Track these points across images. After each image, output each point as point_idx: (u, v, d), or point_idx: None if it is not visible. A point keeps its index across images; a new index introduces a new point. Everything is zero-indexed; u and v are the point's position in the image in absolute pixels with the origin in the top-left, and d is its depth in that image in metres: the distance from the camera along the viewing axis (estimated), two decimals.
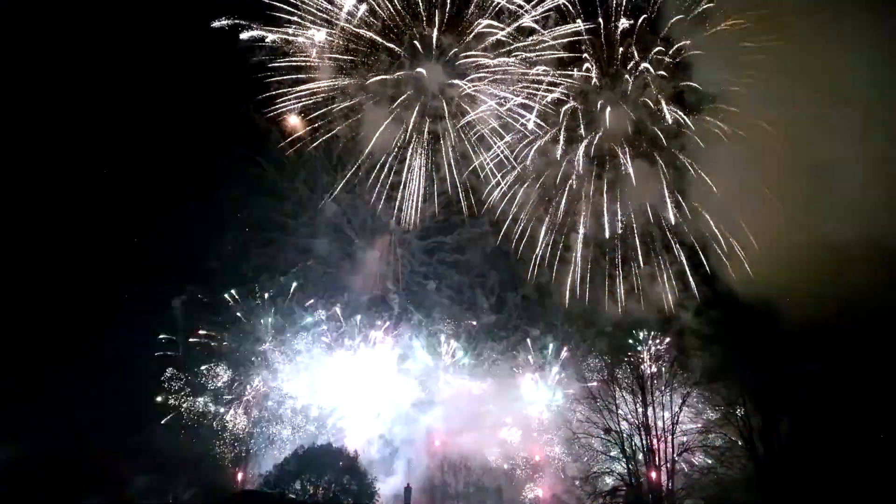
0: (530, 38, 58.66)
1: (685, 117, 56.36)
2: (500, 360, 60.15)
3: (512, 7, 58.25)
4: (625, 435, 48.28)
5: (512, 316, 62.00)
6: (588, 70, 58.25)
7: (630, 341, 53.90)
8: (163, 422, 53.98)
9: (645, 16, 56.87)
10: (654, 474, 47.13)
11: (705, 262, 56.44)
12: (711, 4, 53.94)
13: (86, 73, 56.01)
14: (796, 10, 47.14)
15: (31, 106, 53.95)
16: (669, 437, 47.50)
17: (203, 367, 56.71)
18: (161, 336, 56.58)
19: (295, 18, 58.17)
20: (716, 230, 55.69)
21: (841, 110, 46.21)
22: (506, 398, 59.51)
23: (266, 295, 59.41)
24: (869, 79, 45.22)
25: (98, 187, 56.97)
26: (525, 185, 59.98)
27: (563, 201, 59.87)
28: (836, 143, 46.46)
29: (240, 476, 54.89)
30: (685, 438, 47.94)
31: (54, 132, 55.18)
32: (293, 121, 60.38)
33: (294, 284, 59.99)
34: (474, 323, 61.31)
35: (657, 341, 53.55)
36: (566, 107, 58.96)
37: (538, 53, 58.80)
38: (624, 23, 57.17)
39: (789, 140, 49.22)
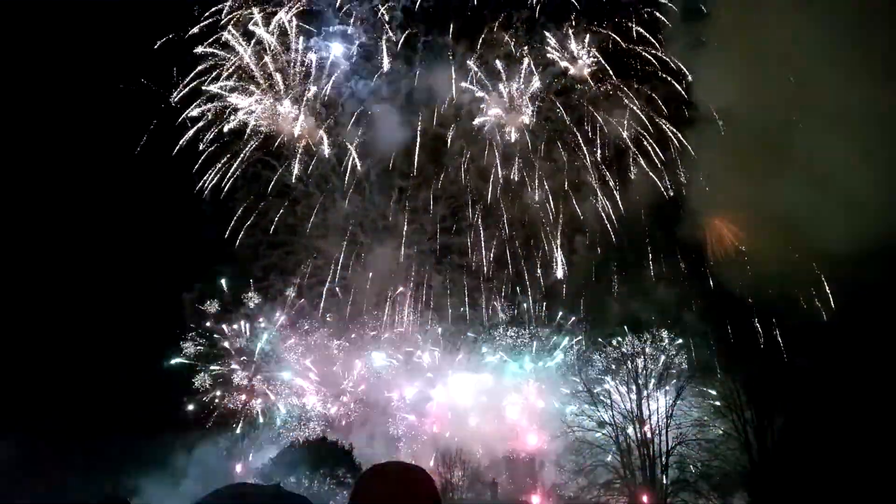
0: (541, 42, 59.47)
1: (678, 131, 57.25)
2: (506, 358, 60.54)
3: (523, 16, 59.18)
4: (619, 428, 48.64)
5: (523, 318, 62.53)
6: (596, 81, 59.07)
7: (626, 336, 53.88)
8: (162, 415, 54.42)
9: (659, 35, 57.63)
10: (648, 467, 47.43)
11: (704, 262, 56.90)
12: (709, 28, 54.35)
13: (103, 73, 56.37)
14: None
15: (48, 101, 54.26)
16: (664, 431, 47.81)
17: (209, 363, 57.33)
18: (168, 331, 57.12)
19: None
20: (714, 232, 56.25)
21: (839, 119, 46.31)
22: (505, 393, 59.86)
23: (275, 295, 59.97)
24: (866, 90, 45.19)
25: (107, 187, 57.16)
26: (532, 190, 60.77)
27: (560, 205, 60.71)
28: (830, 152, 46.54)
29: (238, 468, 55.32)
30: (679, 432, 48.18)
31: (72, 130, 55.49)
32: (306, 125, 60.85)
33: (304, 285, 60.54)
34: (482, 323, 61.86)
35: (653, 336, 53.50)
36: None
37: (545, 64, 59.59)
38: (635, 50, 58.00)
39: (784, 148, 49.36)
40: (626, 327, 53.36)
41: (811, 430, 44.12)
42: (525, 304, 62.04)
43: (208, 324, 58.51)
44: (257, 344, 58.50)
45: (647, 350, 51.10)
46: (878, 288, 42.92)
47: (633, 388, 48.95)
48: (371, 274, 62.11)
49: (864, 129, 44.40)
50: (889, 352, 42.38)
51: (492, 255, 61.86)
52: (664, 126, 58.22)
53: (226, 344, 58.45)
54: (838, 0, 45.24)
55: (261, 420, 56.90)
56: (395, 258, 62.60)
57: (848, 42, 44.03)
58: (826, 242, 45.02)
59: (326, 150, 60.89)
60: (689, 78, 55.88)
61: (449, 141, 61.17)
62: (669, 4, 56.92)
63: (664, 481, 46.76)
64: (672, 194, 58.16)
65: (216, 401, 56.68)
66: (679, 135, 57.70)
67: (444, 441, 57.00)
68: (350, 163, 61.35)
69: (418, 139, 60.79)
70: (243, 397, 57.11)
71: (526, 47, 59.66)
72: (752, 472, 45.68)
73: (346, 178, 61.64)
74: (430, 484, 4.72)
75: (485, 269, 61.92)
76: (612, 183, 59.98)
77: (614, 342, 52.93)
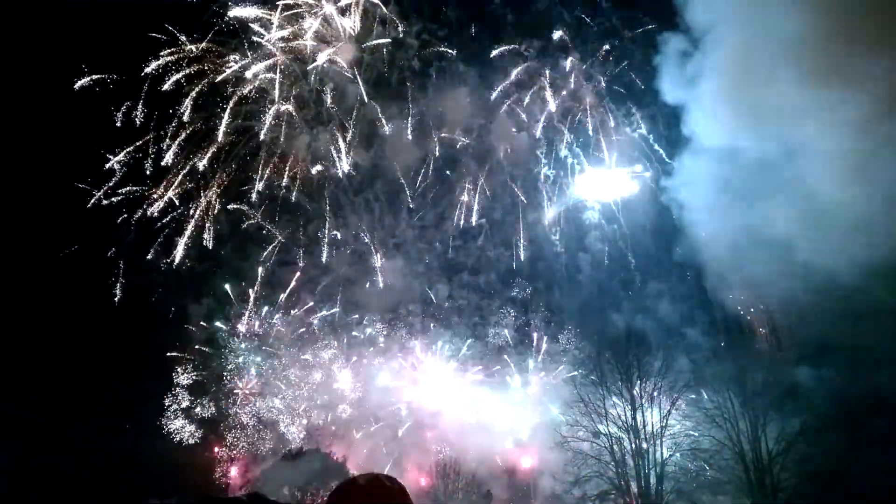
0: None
1: (676, 156, 58.45)
2: (511, 370, 60.75)
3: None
4: (614, 438, 48.50)
5: (528, 335, 62.95)
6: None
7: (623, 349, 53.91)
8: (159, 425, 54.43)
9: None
10: (643, 477, 47.27)
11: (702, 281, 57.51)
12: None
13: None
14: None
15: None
16: (658, 441, 47.71)
17: (209, 376, 57.35)
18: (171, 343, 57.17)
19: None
20: (711, 249, 57.01)
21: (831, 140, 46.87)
22: (501, 404, 59.83)
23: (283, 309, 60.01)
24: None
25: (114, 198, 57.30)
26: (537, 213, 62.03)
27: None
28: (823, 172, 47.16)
29: (232, 476, 55.06)
30: (674, 441, 48.06)
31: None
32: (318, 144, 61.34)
33: (312, 301, 60.65)
34: (489, 340, 62.20)
35: (648, 345, 53.62)
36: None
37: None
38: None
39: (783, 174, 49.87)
40: (624, 340, 53.35)
41: (806, 438, 44.26)
42: (530, 323, 62.71)
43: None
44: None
45: (644, 362, 51.05)
46: (877, 308, 43.29)
47: (629, 399, 48.92)
48: (380, 291, 62.44)
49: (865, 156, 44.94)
50: (887, 366, 42.75)
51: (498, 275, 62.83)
52: (661, 151, 59.73)
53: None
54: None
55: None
56: (404, 275, 63.10)
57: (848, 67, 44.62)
58: (825, 264, 45.30)
59: (340, 170, 61.38)
60: (686, 109, 56.84)
61: (459, 165, 62.75)
62: (667, 42, 58.12)
63: (660, 491, 46.60)
64: (672, 217, 59.29)
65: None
66: (675, 161, 59.11)
67: (442, 453, 56.89)
68: (361, 181, 62.21)
69: (430, 159, 61.98)
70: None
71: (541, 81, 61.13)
72: (746, 481, 45.66)
73: (357, 197, 62.44)
74: (402, 494, 4.69)
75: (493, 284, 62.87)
76: (613, 205, 61.39)
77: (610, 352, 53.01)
